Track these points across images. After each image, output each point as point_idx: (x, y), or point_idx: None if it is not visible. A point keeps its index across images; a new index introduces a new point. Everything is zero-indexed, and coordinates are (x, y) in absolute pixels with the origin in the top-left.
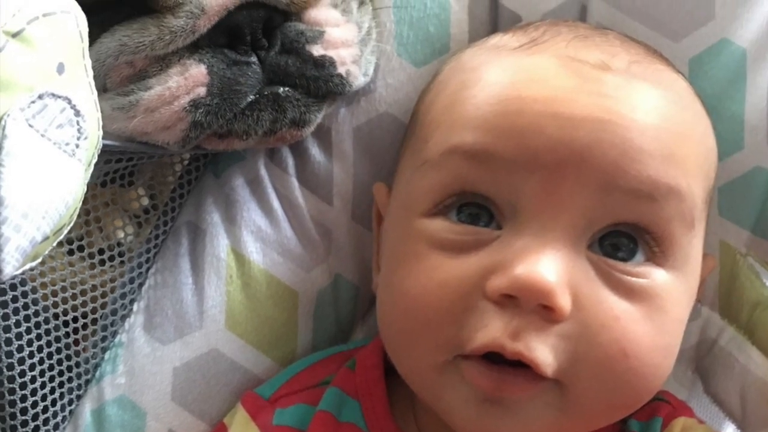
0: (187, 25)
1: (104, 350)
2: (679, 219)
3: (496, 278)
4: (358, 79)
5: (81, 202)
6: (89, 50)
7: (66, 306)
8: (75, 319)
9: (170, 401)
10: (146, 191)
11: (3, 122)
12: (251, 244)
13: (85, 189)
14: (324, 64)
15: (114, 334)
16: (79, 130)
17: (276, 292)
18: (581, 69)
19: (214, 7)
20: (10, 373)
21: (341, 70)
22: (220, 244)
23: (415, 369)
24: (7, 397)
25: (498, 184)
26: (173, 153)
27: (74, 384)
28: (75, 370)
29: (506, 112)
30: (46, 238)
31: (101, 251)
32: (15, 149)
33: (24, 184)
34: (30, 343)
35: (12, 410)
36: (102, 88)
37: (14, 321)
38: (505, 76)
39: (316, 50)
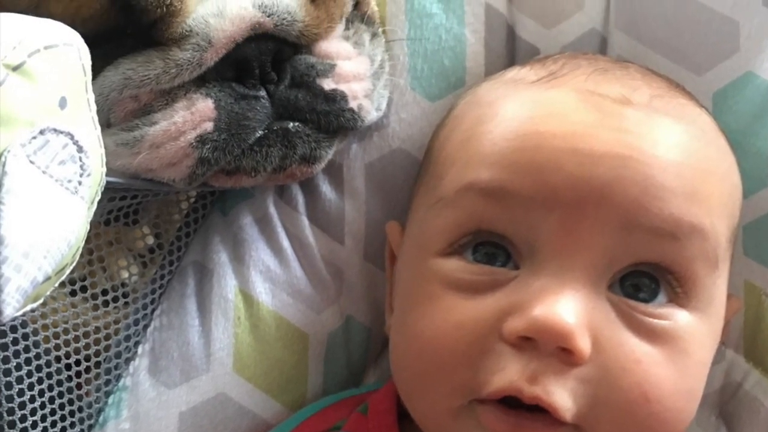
0: (193, 58)
1: (108, 394)
2: (703, 258)
3: (514, 320)
4: (371, 114)
5: (84, 241)
6: (92, 84)
7: (68, 348)
8: (78, 362)
9: None
10: (151, 230)
11: (3, 158)
12: (260, 284)
13: (88, 227)
14: (335, 98)
15: (118, 377)
16: (81, 167)
17: (285, 334)
18: (601, 103)
19: (222, 40)
20: (10, 417)
21: (353, 104)
22: (227, 284)
23: (430, 414)
24: None
25: (515, 223)
26: (179, 190)
27: (77, 429)
28: (78, 415)
29: (524, 148)
30: (48, 279)
31: (105, 292)
32: (15, 186)
33: (25, 223)
34: (31, 386)
35: None
36: (105, 123)
37: (15, 364)
38: (523, 111)
39: (327, 84)
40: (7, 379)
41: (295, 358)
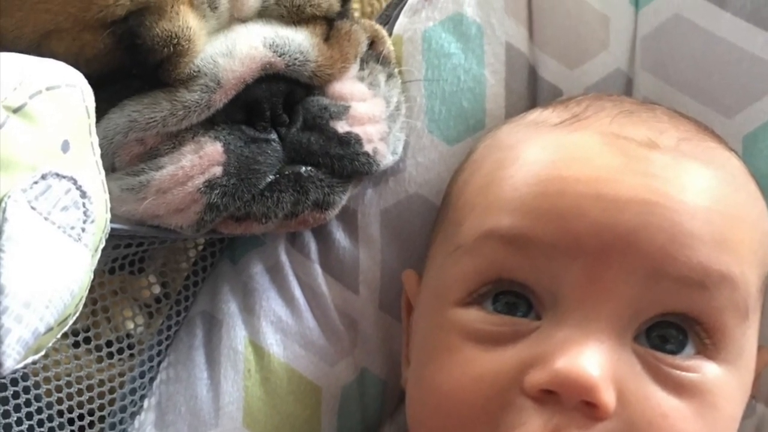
0: (201, 100)
1: None
2: (732, 309)
3: (536, 372)
4: (386, 158)
5: (87, 291)
6: (96, 127)
7: (71, 402)
8: (81, 417)
9: None
10: (158, 279)
11: (3, 204)
12: (271, 335)
13: (92, 276)
14: (349, 141)
15: None
16: (85, 213)
17: (298, 388)
18: (627, 147)
19: (231, 81)
20: None
21: (368, 148)
22: (237, 335)
23: None
24: None
25: (537, 271)
26: (187, 237)
27: None
28: None
29: (546, 194)
30: (50, 330)
31: (109, 343)
32: (16, 233)
33: (26, 271)
34: None
35: None
36: (110, 168)
37: (15, 418)
38: (545, 155)
39: (341, 126)
40: None
41: (307, 412)
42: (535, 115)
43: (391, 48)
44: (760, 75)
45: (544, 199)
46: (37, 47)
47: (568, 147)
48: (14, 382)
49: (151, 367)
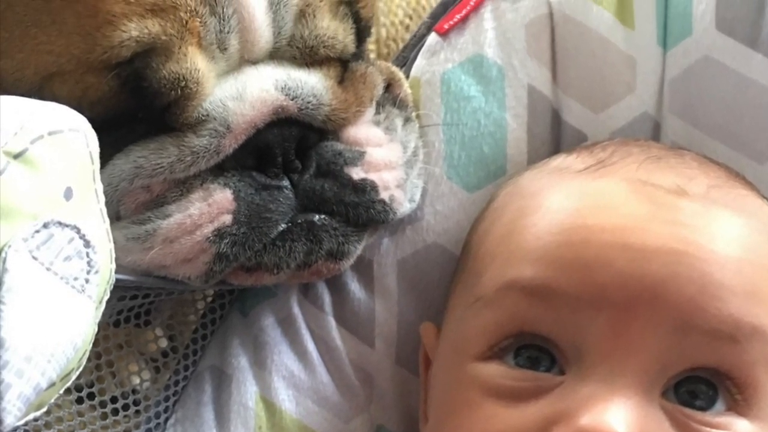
0: (210, 145)
1: None
2: (765, 363)
3: (559, 430)
4: (403, 206)
5: (91, 344)
6: (101, 173)
7: None
8: None
9: None
10: (165, 332)
11: (4, 254)
12: (283, 391)
13: (96, 329)
14: (365, 188)
15: None
16: (89, 263)
17: None
18: (654, 194)
19: (242, 125)
20: None
21: (384, 195)
22: (247, 391)
23: None
24: None
25: (561, 324)
26: (195, 289)
27: None
28: None
29: (570, 243)
30: (52, 385)
31: (114, 399)
32: (17, 284)
33: (27, 324)
34: None
35: None
36: (115, 216)
37: None
38: (569, 203)
39: (356, 173)
40: None
41: None
42: (559, 161)
43: (409, 91)
44: None
45: (568, 248)
46: (39, 90)
47: (593, 194)
48: None
49: (158, 424)
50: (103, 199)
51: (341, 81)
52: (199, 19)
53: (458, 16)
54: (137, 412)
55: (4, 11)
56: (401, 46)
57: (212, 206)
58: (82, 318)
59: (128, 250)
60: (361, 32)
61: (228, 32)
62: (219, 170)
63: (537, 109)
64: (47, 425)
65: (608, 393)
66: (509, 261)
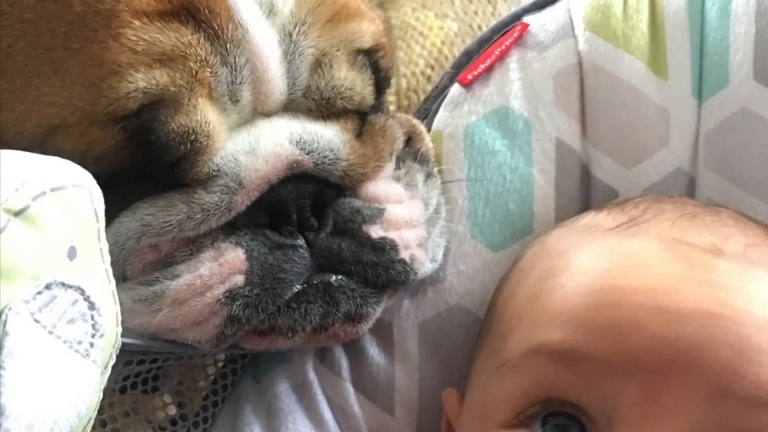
0: (221, 202)
1: None
2: None
3: None
4: (425, 266)
5: (96, 412)
6: (106, 231)
7: None
8: None
9: None
10: (173, 398)
11: (4, 317)
12: None
13: (101, 395)
14: (384, 247)
15: None
16: (93, 326)
17: None
18: (689, 254)
19: (254, 181)
20: None
21: (404, 254)
22: None
23: None
24: None
25: (590, 390)
26: (205, 353)
27: None
28: None
29: (600, 305)
30: None
31: None
32: (18, 349)
33: (28, 390)
34: None
35: None
36: (121, 276)
37: None
38: (599, 262)
39: (375, 231)
40: None
41: None
42: (589, 218)
43: (430, 145)
44: None
45: (598, 311)
46: (41, 144)
47: (624, 254)
48: None
49: None
50: (108, 258)
51: (359, 134)
52: (209, 70)
53: (483, 66)
54: None
55: (4, 61)
56: (422, 97)
57: (223, 266)
58: (87, 384)
59: (135, 313)
60: (381, 83)
61: (240, 83)
62: (230, 228)
63: (565, 164)
64: None
65: None
66: (536, 324)
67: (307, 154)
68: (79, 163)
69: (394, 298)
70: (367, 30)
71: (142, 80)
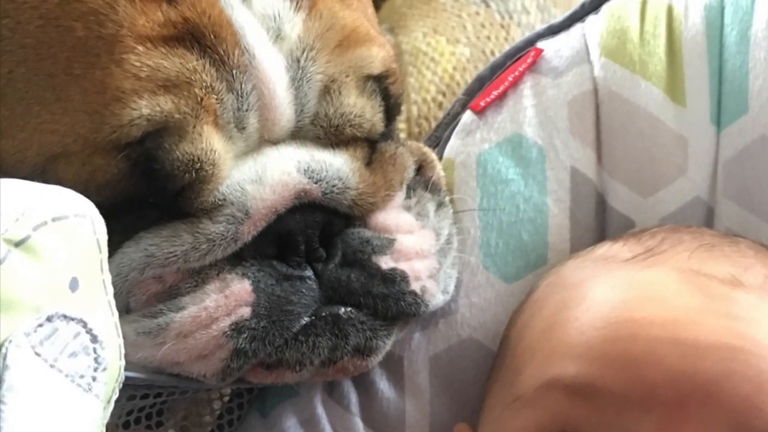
0: (227, 232)
1: None
2: None
3: None
4: (436, 298)
5: None
6: (109, 262)
7: None
8: None
9: None
10: None
11: (4, 350)
12: None
13: (104, 431)
14: (394, 279)
15: None
16: (96, 360)
17: None
18: (707, 285)
19: (261, 210)
20: None
21: (415, 286)
22: None
23: None
24: None
25: (606, 426)
26: (211, 387)
27: None
28: None
29: (616, 338)
30: None
31: None
32: (18, 382)
33: (29, 425)
34: None
35: None
36: (124, 308)
37: None
38: (615, 294)
39: (385, 262)
40: None
41: None
42: (604, 249)
43: (442, 173)
44: None
45: (614, 344)
46: (42, 173)
47: (641, 285)
48: None
49: None
50: (111, 290)
51: (369, 163)
52: (215, 96)
53: (495, 93)
54: None
55: (4, 87)
56: (434, 124)
57: (229, 298)
58: (89, 419)
59: (139, 346)
60: (391, 110)
61: (246, 110)
62: (237, 259)
63: (580, 193)
64: None
65: None
66: (550, 357)
67: (316, 183)
68: (81, 192)
69: (404, 331)
70: (377, 55)
71: (146, 107)
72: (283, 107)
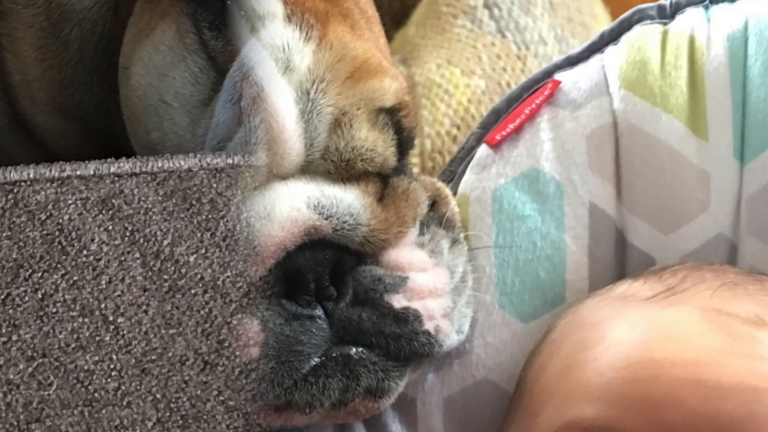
0: None
1: None
2: None
3: None
4: (450, 338)
5: None
6: None
7: None
8: None
9: None
10: None
11: None
12: None
13: None
14: (407, 318)
15: None
16: None
17: None
18: (730, 325)
19: (270, 248)
20: None
21: (429, 326)
22: None
23: None
24: None
25: None
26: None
27: None
28: None
29: (636, 379)
30: None
31: None
32: None
33: None
34: None
35: None
36: None
37: None
38: (636, 334)
39: (398, 301)
40: None
41: None
42: (624, 287)
43: (456, 209)
44: None
45: (634, 385)
46: None
47: (662, 325)
48: None
49: None
50: None
51: (381, 198)
52: None
53: (511, 126)
54: None
55: None
56: (448, 159)
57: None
58: None
59: None
60: (403, 144)
61: (255, 144)
62: None
63: (599, 229)
64: None
65: None
66: (568, 399)
67: (326, 219)
68: None
69: (417, 372)
70: (390, 88)
71: None
72: (293, 141)
